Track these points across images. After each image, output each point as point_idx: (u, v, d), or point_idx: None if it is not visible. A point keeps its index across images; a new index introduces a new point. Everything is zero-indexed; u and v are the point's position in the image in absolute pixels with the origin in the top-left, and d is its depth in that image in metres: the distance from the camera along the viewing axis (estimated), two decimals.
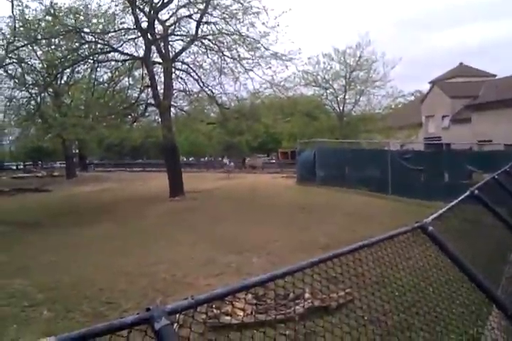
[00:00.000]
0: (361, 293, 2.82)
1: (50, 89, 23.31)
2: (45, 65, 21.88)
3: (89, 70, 20.98)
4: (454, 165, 16.63)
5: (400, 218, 9.59)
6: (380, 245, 2.73)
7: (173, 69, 20.40)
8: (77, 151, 46.02)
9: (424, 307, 3.20)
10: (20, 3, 18.53)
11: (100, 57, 20.10)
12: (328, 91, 35.05)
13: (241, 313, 4.15)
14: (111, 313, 5.72)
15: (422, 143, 32.56)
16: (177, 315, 1.76)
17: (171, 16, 20.20)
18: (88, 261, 8.82)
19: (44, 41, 19.23)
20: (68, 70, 21.50)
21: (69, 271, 8.07)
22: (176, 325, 2.23)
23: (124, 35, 19.89)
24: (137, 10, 18.93)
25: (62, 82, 24.15)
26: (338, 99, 34.80)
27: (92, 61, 20.07)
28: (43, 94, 22.69)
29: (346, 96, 34.64)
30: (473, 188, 5.02)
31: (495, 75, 42.28)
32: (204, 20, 19.56)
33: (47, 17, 18.21)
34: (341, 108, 35.02)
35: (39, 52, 23.49)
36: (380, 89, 33.93)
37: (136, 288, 6.81)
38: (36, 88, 21.97)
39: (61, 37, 18.46)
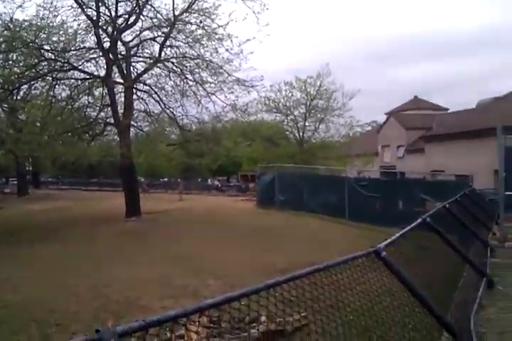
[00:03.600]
0: (316, 317, 2.84)
1: (5, 105, 22.63)
2: (1, 80, 21.29)
3: (47, 87, 20.49)
4: (408, 193, 17.13)
5: (356, 243, 9.76)
6: (335, 269, 2.78)
7: (135, 90, 20.30)
8: (30, 168, 44.44)
9: (377, 331, 3.25)
10: None
11: (59, 74, 19.73)
12: (289, 117, 35.72)
13: (195, 337, 4.06)
14: (59, 336, 5.48)
15: (378, 172, 33.44)
16: (128, 338, 1.72)
17: (134, 38, 20.30)
18: (39, 281, 8.46)
19: (1, 56, 18.75)
20: (25, 86, 21.00)
21: (18, 290, 7.72)
22: None
23: (86, 53, 19.71)
24: (100, 30, 18.86)
25: (19, 97, 23.51)
26: (299, 125, 35.46)
27: (50, 78, 19.66)
28: None
29: (306, 124, 35.36)
30: (425, 216, 5.23)
31: (447, 109, 44.41)
32: (168, 43, 19.72)
33: (5, 32, 17.83)
34: (301, 134, 35.66)
35: None
36: (339, 117, 34.87)
37: (87, 309, 6.56)
38: None
39: (19, 52, 18.08)
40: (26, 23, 18.11)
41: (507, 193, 10.25)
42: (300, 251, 11.07)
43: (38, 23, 18.12)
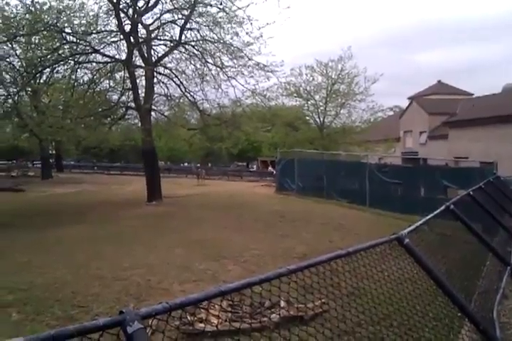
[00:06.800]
0: (337, 303, 2.81)
1: (29, 88, 22.91)
2: (24, 64, 21.52)
3: (69, 71, 20.59)
4: (430, 180, 16.87)
5: (377, 230, 9.68)
6: (356, 255, 2.74)
7: (155, 74, 20.29)
8: (53, 152, 45.20)
9: (398, 319, 3.22)
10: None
11: (81, 58, 19.81)
12: (309, 102, 35.39)
13: (215, 320, 4.10)
14: (82, 317, 5.58)
15: (400, 158, 33.03)
16: (150, 320, 1.72)
17: (154, 21, 20.11)
18: (62, 263, 8.61)
19: (24, 39, 18.87)
20: (48, 70, 21.17)
21: (41, 273, 7.86)
22: (149, 329, 2.17)
23: (107, 37, 19.70)
24: (121, 12, 18.83)
25: (41, 81, 23.80)
26: (319, 110, 35.13)
27: (72, 62, 19.73)
28: (21, 93, 22.25)
29: (327, 108, 35.01)
30: (448, 203, 5.11)
31: (472, 94, 43.36)
32: (188, 26, 19.54)
33: (27, 15, 17.91)
34: (322, 119, 35.35)
35: (18, 51, 23.18)
36: (361, 102, 34.42)
37: (109, 292, 6.68)
38: (14, 86, 21.58)
39: (41, 36, 18.18)
40: (47, 6, 18.17)
41: None
42: (321, 237, 11.06)
43: (58, 6, 18.15)
